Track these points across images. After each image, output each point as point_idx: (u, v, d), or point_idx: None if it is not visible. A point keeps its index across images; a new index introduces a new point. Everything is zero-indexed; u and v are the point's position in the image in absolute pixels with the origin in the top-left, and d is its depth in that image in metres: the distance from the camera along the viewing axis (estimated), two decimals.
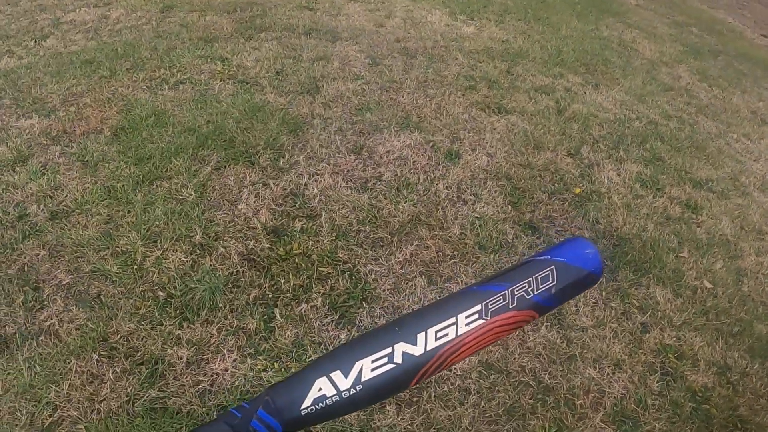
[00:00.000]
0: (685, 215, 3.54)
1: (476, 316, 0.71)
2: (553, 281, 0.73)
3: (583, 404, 2.31)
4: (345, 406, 0.69)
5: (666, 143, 4.35)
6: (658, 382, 2.45)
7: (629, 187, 3.61)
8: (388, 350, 0.70)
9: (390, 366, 0.69)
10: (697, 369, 2.56)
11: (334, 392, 0.68)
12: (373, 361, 0.70)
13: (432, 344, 0.70)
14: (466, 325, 0.71)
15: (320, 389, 0.68)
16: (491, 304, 0.72)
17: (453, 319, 0.71)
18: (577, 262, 0.74)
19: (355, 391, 0.68)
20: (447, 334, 0.70)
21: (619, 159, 3.89)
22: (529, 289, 0.72)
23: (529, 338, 2.50)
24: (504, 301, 0.72)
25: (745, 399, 2.48)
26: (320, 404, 0.68)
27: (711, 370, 2.57)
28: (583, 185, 3.49)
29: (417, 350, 0.70)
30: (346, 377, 0.69)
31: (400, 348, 0.70)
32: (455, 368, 2.35)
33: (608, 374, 2.44)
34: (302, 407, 0.67)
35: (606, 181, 3.57)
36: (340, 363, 0.70)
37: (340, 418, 2.13)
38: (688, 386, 2.46)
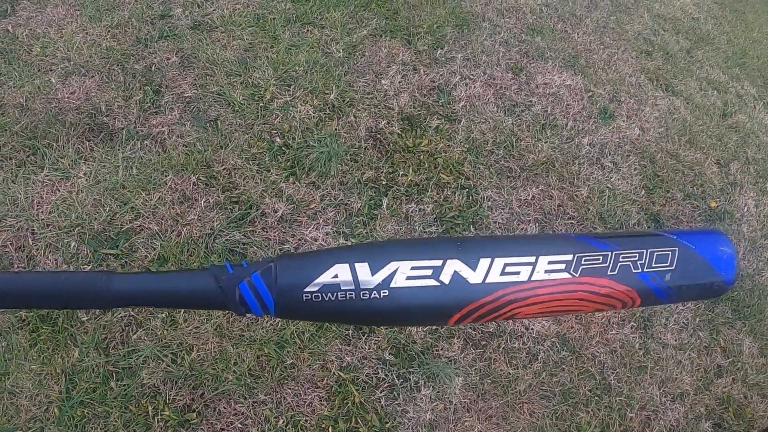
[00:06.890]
0: None
1: (562, 266, 0.54)
2: (671, 265, 0.56)
3: (633, 419, 2.11)
4: (356, 311, 0.52)
5: None
6: (709, 430, 2.22)
7: (762, 224, 3.17)
8: (437, 263, 0.53)
9: (432, 282, 0.52)
10: None
11: (351, 286, 0.51)
12: (413, 268, 0.52)
13: (495, 278, 0.53)
14: (546, 272, 0.54)
15: (335, 276, 0.51)
16: (586, 261, 0.55)
17: (532, 258, 0.54)
18: (707, 256, 0.57)
19: (377, 296, 0.51)
20: (518, 273, 0.53)
21: (764, 191, 3.41)
22: (638, 262, 0.55)
23: (612, 330, 2.25)
24: (603, 263, 0.55)
25: None
26: (327, 294, 0.51)
27: None
28: (720, 201, 3.08)
29: (474, 277, 0.53)
30: (372, 274, 0.51)
31: (453, 266, 0.53)
32: (532, 327, 2.13)
33: (668, 401, 2.21)
34: (306, 290, 0.51)
35: (743, 207, 3.14)
36: (371, 255, 0.53)
37: (406, 332, 1.96)
38: None
